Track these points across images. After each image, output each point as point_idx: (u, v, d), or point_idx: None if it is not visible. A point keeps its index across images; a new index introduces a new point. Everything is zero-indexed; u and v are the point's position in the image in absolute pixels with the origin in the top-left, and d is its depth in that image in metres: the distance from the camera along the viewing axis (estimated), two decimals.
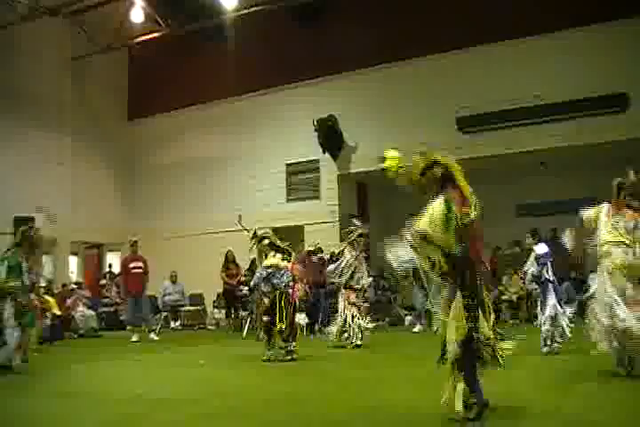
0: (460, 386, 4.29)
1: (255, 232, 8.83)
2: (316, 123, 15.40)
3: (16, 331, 7.62)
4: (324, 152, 15.91)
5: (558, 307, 7.90)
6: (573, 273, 12.95)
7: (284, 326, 8.22)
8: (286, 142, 16.76)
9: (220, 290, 14.84)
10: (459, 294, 4.28)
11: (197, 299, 16.36)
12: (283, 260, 8.58)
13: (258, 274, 8.60)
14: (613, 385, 5.75)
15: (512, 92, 13.98)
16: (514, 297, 13.34)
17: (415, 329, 12.18)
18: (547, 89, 13.69)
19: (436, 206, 4.31)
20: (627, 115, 13.11)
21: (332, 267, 14.11)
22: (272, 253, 8.58)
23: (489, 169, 15.13)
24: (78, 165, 17.59)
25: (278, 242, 8.78)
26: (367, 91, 15.83)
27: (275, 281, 8.34)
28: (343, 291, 10.06)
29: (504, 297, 13.53)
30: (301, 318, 8.57)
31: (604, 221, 6.15)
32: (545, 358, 7.66)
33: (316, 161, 16.36)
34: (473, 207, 4.37)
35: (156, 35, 16.60)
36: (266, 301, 8.41)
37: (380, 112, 15.53)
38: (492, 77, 14.34)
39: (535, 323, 8.42)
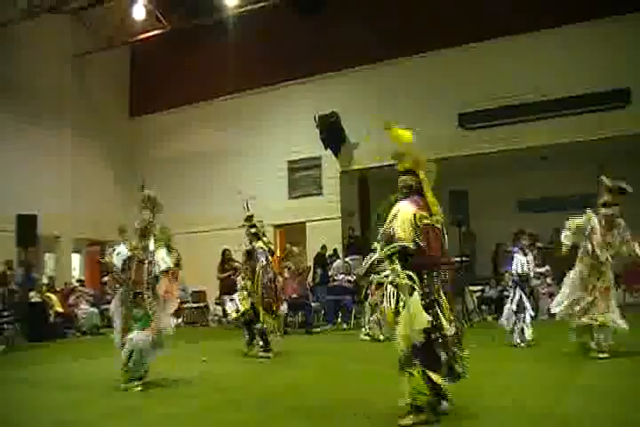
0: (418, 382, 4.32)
1: (251, 216, 8.84)
2: (317, 119, 15.39)
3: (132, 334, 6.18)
4: (325, 149, 15.91)
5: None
6: None
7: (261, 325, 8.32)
8: (288, 139, 16.77)
9: None
10: (415, 293, 4.35)
11: (199, 296, 16.38)
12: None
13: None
14: (612, 378, 5.76)
15: (513, 88, 13.98)
16: None
17: None
18: (548, 84, 13.66)
19: (404, 213, 4.52)
20: (629, 110, 13.09)
21: (337, 263, 14.19)
22: (260, 243, 8.70)
23: (490, 165, 15.16)
24: (79, 161, 17.59)
25: (264, 238, 8.87)
26: (368, 87, 15.83)
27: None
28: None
29: (506, 293, 13.46)
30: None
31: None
32: (543, 352, 7.67)
33: (318, 158, 16.36)
34: (435, 215, 4.56)
35: (157, 31, 16.64)
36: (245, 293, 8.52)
37: (382, 108, 15.47)
38: (494, 73, 14.32)
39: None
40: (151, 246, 6.48)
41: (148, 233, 6.58)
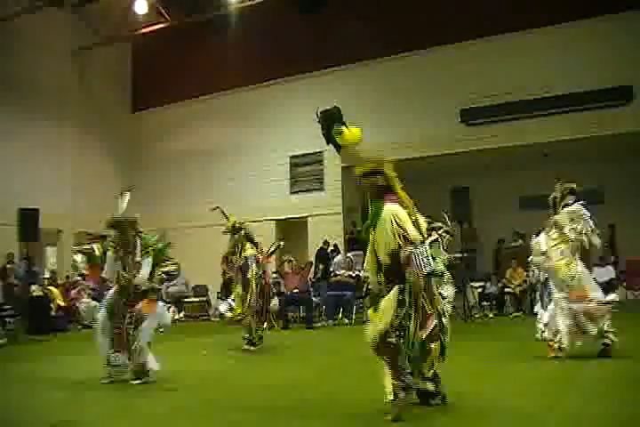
0: (388, 380, 4.38)
1: (234, 225, 8.75)
2: (319, 114, 15.33)
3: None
4: (327, 144, 15.85)
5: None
6: None
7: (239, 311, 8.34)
8: (290, 134, 16.76)
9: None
10: (395, 289, 4.35)
11: (201, 290, 16.41)
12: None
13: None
14: (612, 378, 5.77)
15: (516, 85, 13.98)
16: (517, 290, 13.30)
17: None
18: (551, 81, 13.66)
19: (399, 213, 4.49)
20: (632, 107, 13.08)
21: (338, 258, 14.20)
22: (249, 245, 8.65)
23: (492, 161, 15.16)
24: (81, 156, 17.62)
25: (252, 235, 8.83)
26: (371, 82, 15.81)
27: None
28: None
29: (507, 290, 13.50)
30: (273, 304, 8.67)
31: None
32: (543, 351, 7.66)
33: (320, 153, 16.34)
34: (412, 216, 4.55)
35: (159, 26, 16.62)
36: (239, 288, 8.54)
37: (384, 104, 15.49)
38: (496, 70, 14.32)
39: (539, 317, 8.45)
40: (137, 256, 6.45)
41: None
